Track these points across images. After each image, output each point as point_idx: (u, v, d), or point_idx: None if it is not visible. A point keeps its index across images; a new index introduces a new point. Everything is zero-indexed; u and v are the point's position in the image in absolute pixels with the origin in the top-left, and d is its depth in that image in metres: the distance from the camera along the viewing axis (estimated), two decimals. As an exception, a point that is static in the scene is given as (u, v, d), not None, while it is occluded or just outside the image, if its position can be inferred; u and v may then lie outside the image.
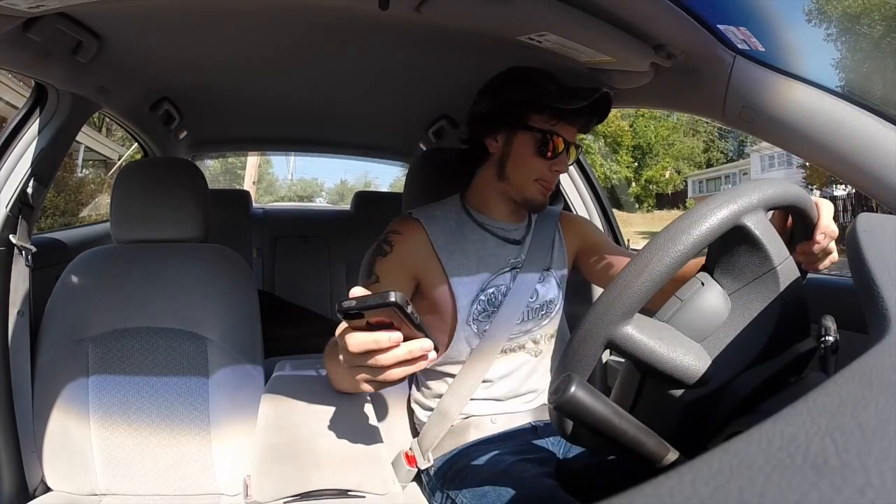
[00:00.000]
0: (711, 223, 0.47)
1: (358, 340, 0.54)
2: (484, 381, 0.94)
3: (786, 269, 0.51)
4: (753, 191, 0.49)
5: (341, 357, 0.59)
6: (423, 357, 0.56)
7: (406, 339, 0.55)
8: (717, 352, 0.51)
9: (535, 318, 0.97)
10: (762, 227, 0.50)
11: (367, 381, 0.59)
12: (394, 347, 0.55)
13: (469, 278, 0.93)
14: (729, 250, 0.52)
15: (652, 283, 0.46)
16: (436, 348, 0.58)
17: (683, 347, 0.49)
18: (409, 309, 0.52)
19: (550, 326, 1.00)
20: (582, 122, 0.94)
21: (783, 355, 0.50)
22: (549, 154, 0.92)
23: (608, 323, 0.48)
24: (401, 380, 0.58)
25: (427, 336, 0.56)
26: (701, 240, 0.46)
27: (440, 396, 0.95)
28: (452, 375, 0.95)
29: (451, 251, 0.94)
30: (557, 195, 1.41)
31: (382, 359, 0.55)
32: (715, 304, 0.52)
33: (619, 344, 0.48)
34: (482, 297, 0.93)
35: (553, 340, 1.02)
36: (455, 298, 0.92)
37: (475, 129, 0.98)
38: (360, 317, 0.54)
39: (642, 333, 0.48)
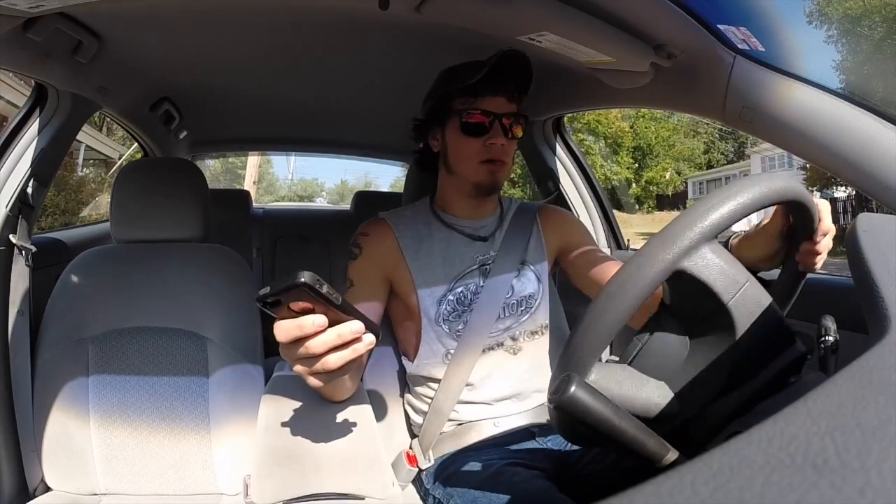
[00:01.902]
0: (652, 272, 0.46)
1: (283, 327, 0.54)
2: (467, 385, 0.93)
3: (741, 300, 0.49)
4: (689, 226, 0.47)
5: (281, 353, 0.58)
6: (357, 340, 0.56)
7: (334, 325, 0.55)
8: (681, 387, 0.50)
9: (514, 315, 0.96)
10: (702, 266, 0.48)
11: (310, 375, 0.58)
12: (320, 332, 0.54)
13: (434, 279, 0.94)
14: (677, 293, 0.52)
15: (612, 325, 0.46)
16: (375, 332, 0.57)
17: (645, 387, 0.49)
18: (325, 289, 0.51)
19: (531, 323, 0.97)
20: (504, 90, 0.92)
21: (754, 381, 0.50)
22: (476, 132, 0.91)
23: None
24: (342, 368, 0.57)
25: (358, 318, 0.55)
26: (649, 287, 0.45)
27: (430, 399, 0.95)
28: (436, 379, 0.94)
29: (416, 251, 0.95)
30: (554, 195, 1.42)
31: (312, 346, 0.54)
32: (673, 345, 0.52)
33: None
34: (450, 297, 0.93)
35: (535, 338, 0.98)
36: (419, 298, 0.93)
37: (419, 135, 1.00)
38: (279, 304, 0.53)
39: (603, 379, 0.49)
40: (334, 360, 0.56)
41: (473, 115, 0.91)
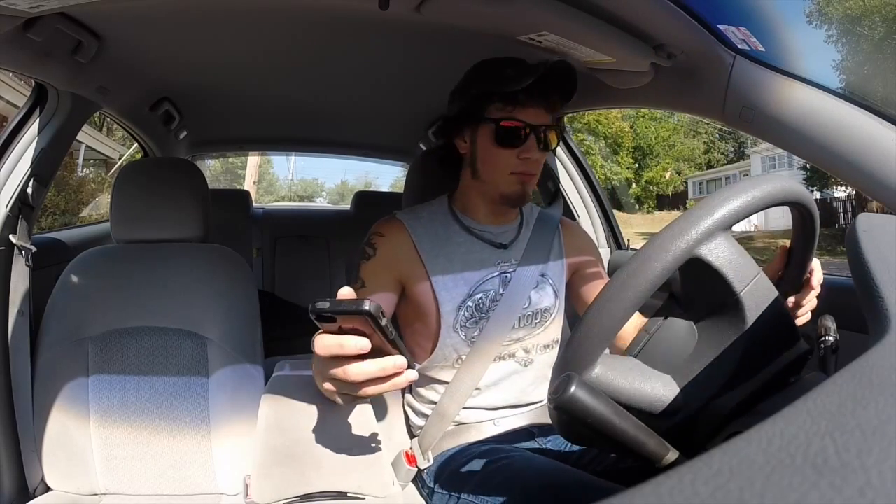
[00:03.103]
0: (665, 261, 0.46)
1: (324, 342, 0.53)
2: (475, 389, 0.93)
3: (752, 291, 0.49)
4: (704, 216, 0.47)
5: (313, 365, 0.57)
6: (398, 374, 0.54)
7: (377, 351, 0.53)
8: (687, 381, 0.50)
9: (528, 326, 0.94)
10: (718, 254, 0.48)
11: (338, 395, 0.58)
12: (360, 357, 0.53)
13: (454, 284, 0.91)
14: (690, 281, 0.52)
15: (616, 321, 0.46)
16: (411, 366, 0.56)
17: (650, 380, 0.49)
18: (384, 322, 0.50)
19: (544, 336, 0.97)
20: (544, 101, 0.88)
21: (759, 375, 0.50)
22: (511, 142, 0.87)
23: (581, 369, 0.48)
24: (377, 394, 0.57)
25: (402, 353, 0.54)
26: (657, 279, 0.46)
27: (433, 402, 0.95)
28: (442, 382, 0.94)
29: (435, 254, 0.92)
30: (557, 195, 1.42)
31: (351, 371, 0.53)
32: (682, 334, 0.52)
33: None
34: (469, 304, 0.91)
35: (547, 351, 0.98)
36: (439, 304, 0.91)
37: (445, 132, 0.96)
38: (333, 321, 0.52)
39: (609, 372, 0.48)
40: (370, 391, 0.55)
41: (510, 124, 0.87)
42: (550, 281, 0.97)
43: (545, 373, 0.98)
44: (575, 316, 1.17)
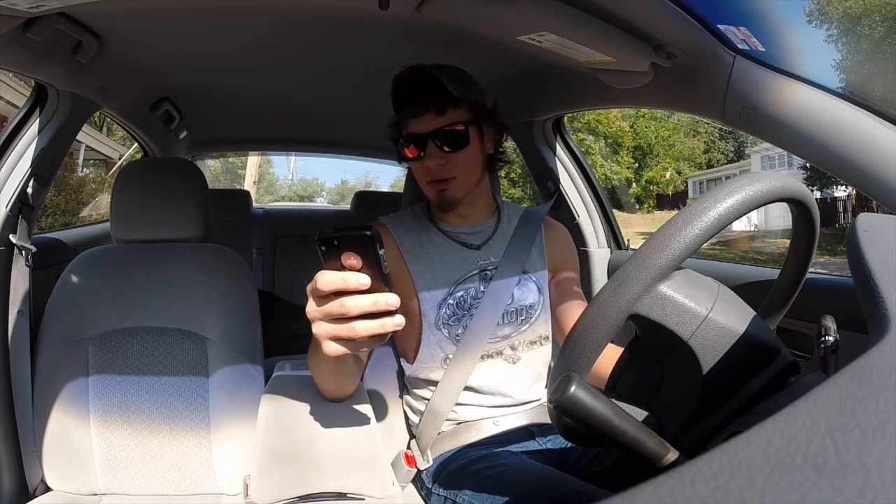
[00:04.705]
0: (610, 320, 0.46)
1: (328, 278, 0.55)
2: (466, 389, 0.94)
3: (702, 334, 0.49)
4: (644, 267, 0.46)
5: (309, 309, 0.57)
6: (389, 313, 0.56)
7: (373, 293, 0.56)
8: (655, 414, 0.51)
9: (513, 323, 0.96)
10: (657, 308, 0.48)
11: (334, 340, 0.57)
12: (360, 293, 0.55)
13: (434, 282, 0.94)
14: (641, 328, 0.52)
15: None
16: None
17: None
18: (382, 252, 0.54)
19: (530, 333, 0.98)
20: (427, 108, 0.91)
21: (733, 399, 0.49)
22: (414, 154, 0.93)
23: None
24: (367, 341, 0.57)
25: (393, 293, 0.57)
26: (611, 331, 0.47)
27: (427, 400, 0.95)
28: (434, 382, 0.95)
29: (416, 255, 0.95)
30: (554, 195, 1.41)
31: (348, 302, 0.55)
32: (649, 371, 0.52)
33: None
34: (450, 301, 0.94)
35: (534, 348, 0.99)
36: (420, 302, 0.93)
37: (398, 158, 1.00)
38: (336, 253, 0.55)
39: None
40: (362, 328, 0.56)
41: (406, 140, 0.93)
42: (533, 278, 0.99)
43: (538, 371, 0.99)
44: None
